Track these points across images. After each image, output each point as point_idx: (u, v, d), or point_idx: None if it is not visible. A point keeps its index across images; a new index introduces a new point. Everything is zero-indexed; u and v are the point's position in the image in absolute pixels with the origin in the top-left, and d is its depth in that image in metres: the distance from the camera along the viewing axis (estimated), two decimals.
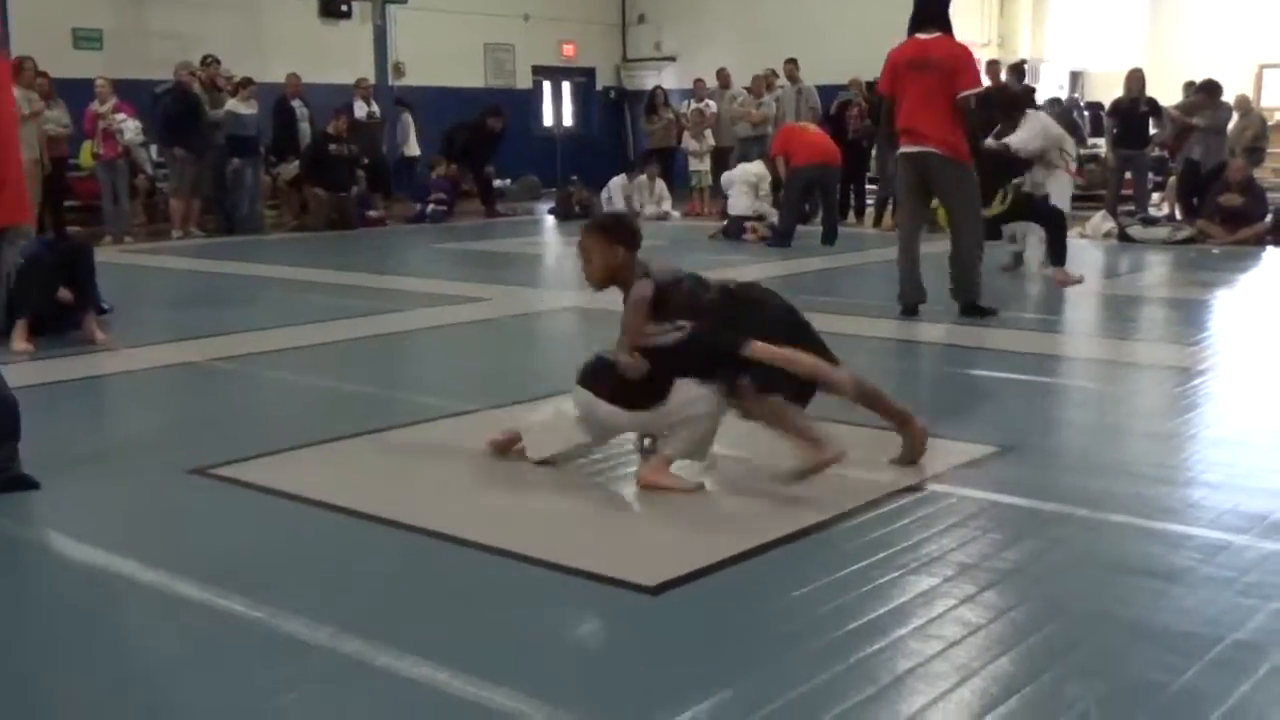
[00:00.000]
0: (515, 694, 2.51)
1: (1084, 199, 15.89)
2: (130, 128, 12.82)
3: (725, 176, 13.47)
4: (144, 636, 2.95)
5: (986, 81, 9.61)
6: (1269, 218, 11.98)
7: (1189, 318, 7.89)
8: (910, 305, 7.48)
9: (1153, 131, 13.32)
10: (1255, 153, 13.47)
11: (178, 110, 12.95)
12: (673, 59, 20.50)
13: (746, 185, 12.77)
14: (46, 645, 2.86)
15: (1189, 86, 14.00)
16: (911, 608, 2.99)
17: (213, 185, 13.62)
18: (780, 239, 11.84)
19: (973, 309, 7.37)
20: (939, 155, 7.24)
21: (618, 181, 15.71)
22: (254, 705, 2.53)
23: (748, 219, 12.56)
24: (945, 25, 7.33)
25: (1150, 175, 13.91)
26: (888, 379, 5.68)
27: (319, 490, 3.96)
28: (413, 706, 2.51)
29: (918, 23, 7.38)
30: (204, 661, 2.77)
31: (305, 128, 14.78)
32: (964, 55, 7.35)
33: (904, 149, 7.45)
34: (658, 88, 17.77)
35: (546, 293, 9.57)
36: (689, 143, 16.23)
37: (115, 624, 3.00)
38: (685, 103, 16.81)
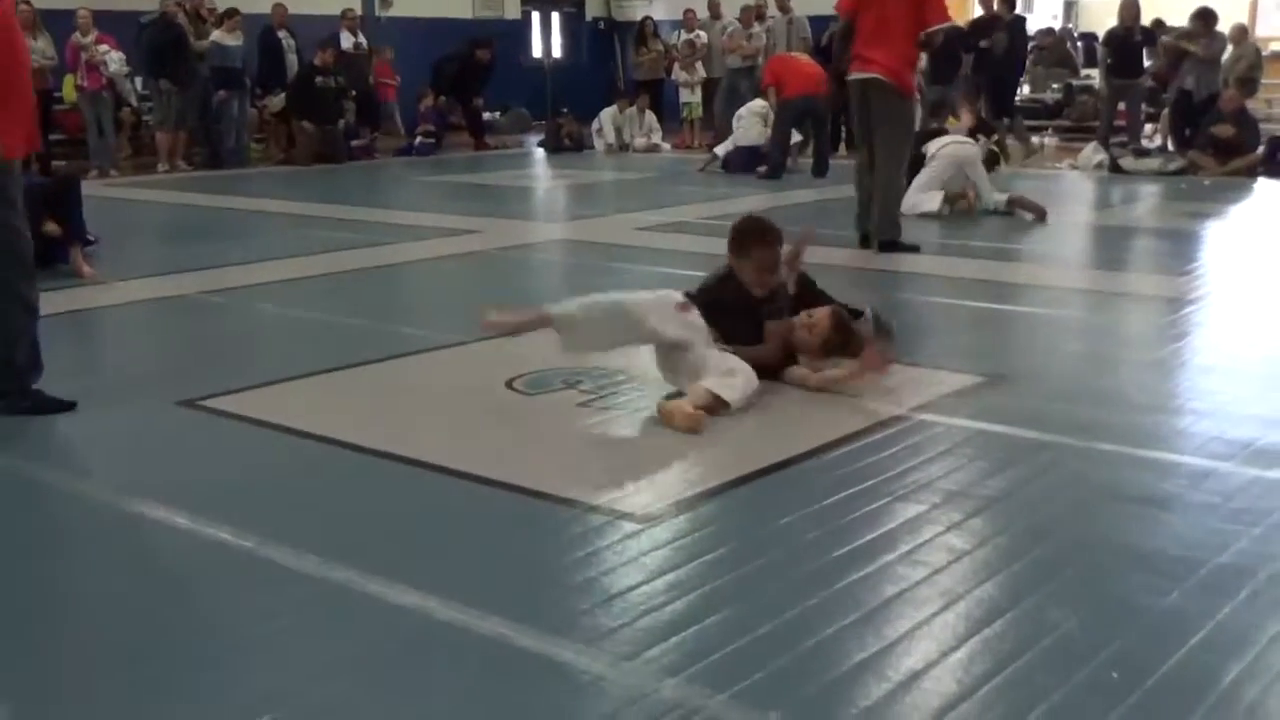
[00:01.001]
0: (504, 621, 2.53)
1: (1075, 130, 15.86)
2: (114, 59, 12.69)
3: (739, 112, 13.12)
4: (132, 565, 2.96)
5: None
6: (1261, 148, 11.94)
7: (1178, 248, 7.88)
8: (865, 233, 7.49)
9: (1147, 62, 13.23)
10: (1249, 83, 13.37)
11: (162, 41, 12.79)
12: None
13: (757, 116, 12.59)
14: (39, 579, 2.87)
15: (1148, 33, 13.86)
16: (898, 534, 3.01)
17: (198, 118, 13.48)
18: (773, 171, 11.76)
19: (892, 245, 7.28)
20: (882, 80, 7.14)
21: (607, 113, 15.59)
22: (242, 631, 2.55)
23: (760, 148, 12.31)
24: None
25: (1144, 106, 13.83)
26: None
27: (307, 422, 3.97)
28: (401, 632, 2.52)
29: None
30: (192, 589, 2.78)
31: (292, 59, 14.62)
32: None
33: (852, 75, 7.34)
34: (647, 18, 17.58)
35: (536, 225, 9.53)
36: (679, 74, 16.09)
37: (103, 553, 3.00)
38: (675, 34, 16.64)
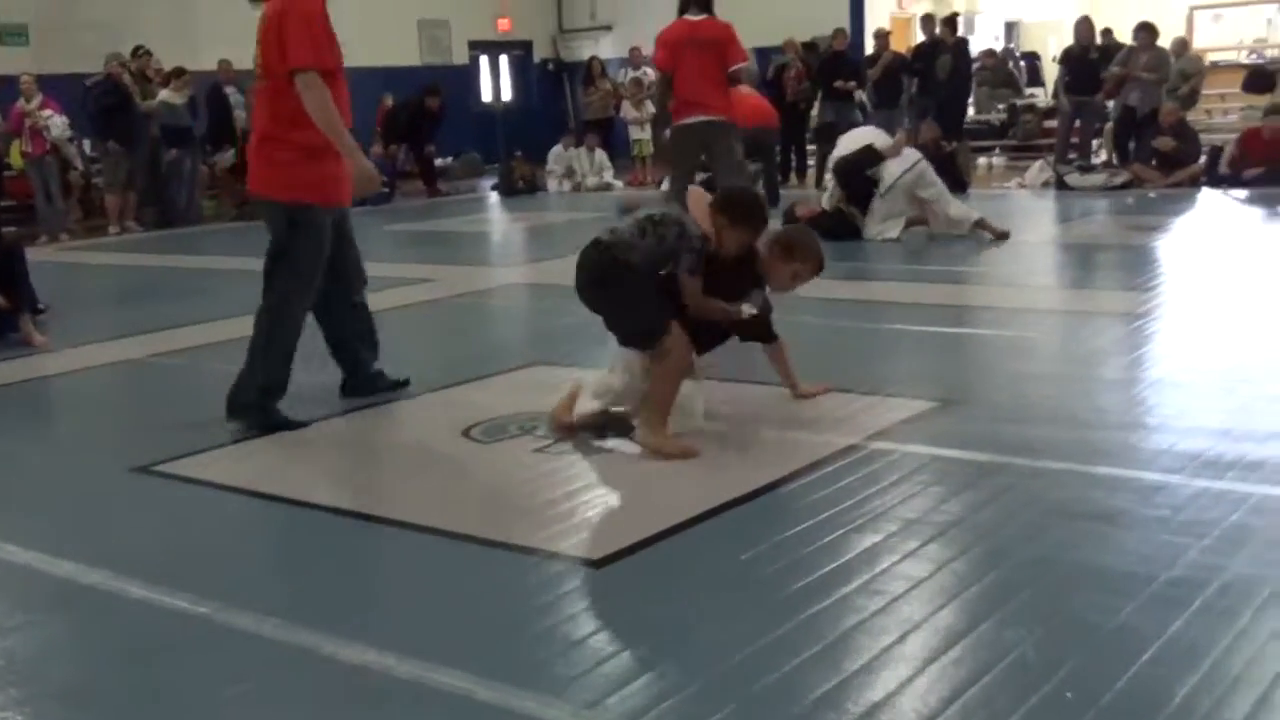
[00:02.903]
0: (464, 675, 2.52)
1: (1021, 149, 16.07)
2: (56, 124, 12.63)
3: None
4: (90, 637, 2.93)
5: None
6: (1203, 159, 12.13)
7: (1127, 263, 7.98)
8: None
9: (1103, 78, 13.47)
10: (1188, 95, 13.61)
11: (108, 103, 12.77)
12: (609, 28, 20.42)
13: None
14: None
15: (1107, 34, 14.12)
16: (856, 564, 3.03)
17: (148, 178, 13.44)
18: (771, 198, 11.81)
19: None
20: (722, 122, 8.14)
21: (554, 151, 15.67)
22: (200, 698, 2.53)
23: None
24: (708, 8, 8.25)
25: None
26: (830, 337, 5.75)
27: (263, 483, 3.95)
28: (361, 692, 2.51)
29: (685, 5, 8.25)
30: (150, 658, 2.76)
31: (241, 114, 14.60)
32: (730, 32, 8.25)
33: (688, 120, 8.14)
34: (594, 58, 17.69)
35: (491, 270, 9.55)
36: (629, 112, 16.18)
37: (60, 626, 2.98)
38: (623, 72, 16.75)
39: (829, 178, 10.06)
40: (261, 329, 4.65)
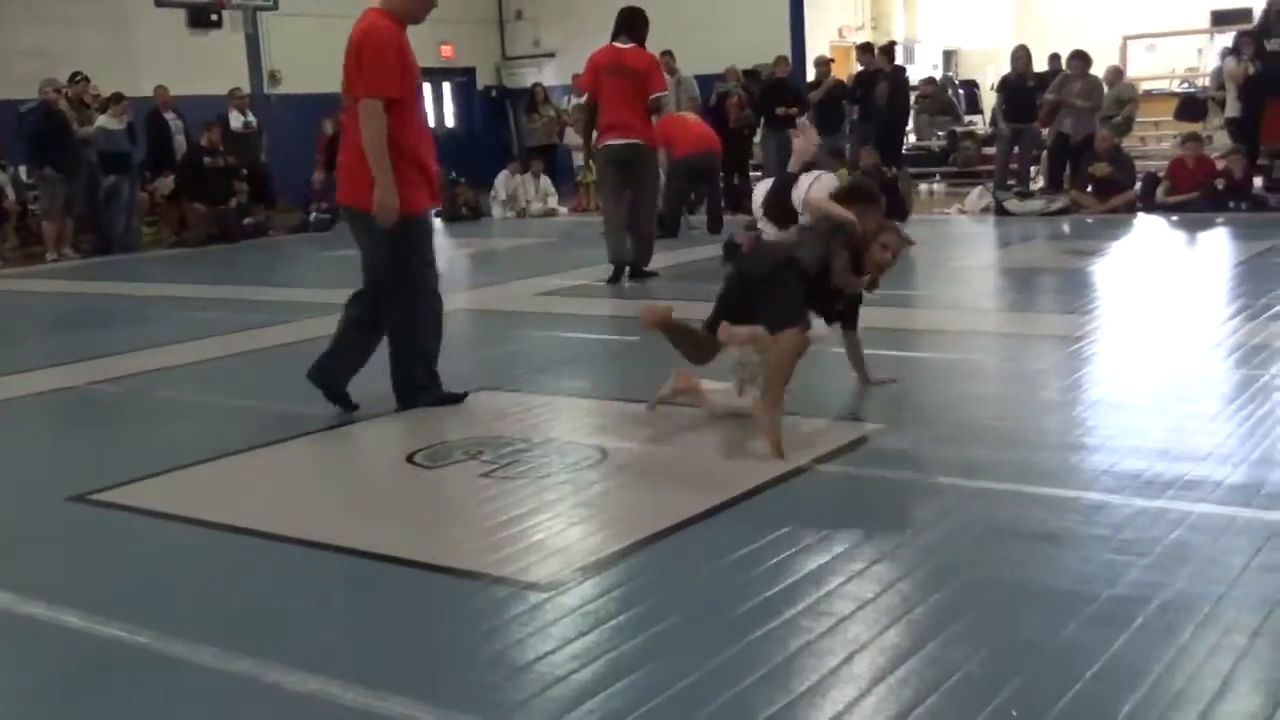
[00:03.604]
0: (411, 701, 2.50)
1: (960, 175, 16.28)
2: None
3: None
4: (24, 668, 2.87)
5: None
6: (1138, 185, 12.35)
7: (1066, 286, 8.09)
8: (620, 265, 8.84)
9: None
10: (1123, 122, 13.85)
11: (43, 129, 12.59)
12: (552, 55, 20.46)
13: None
14: None
15: (1054, 59, 14.36)
16: (802, 586, 3.03)
17: (86, 204, 13.26)
18: (668, 230, 11.85)
19: (641, 273, 8.86)
20: (643, 145, 8.73)
21: (500, 178, 15.66)
22: None
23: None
24: (639, 38, 8.76)
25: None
26: None
27: (204, 510, 3.89)
28: None
29: (616, 32, 8.78)
30: (87, 689, 2.70)
31: (181, 140, 14.49)
32: (653, 63, 8.83)
33: (612, 141, 8.71)
34: (537, 84, 17.73)
35: None
36: (572, 138, 16.21)
37: None
38: (566, 99, 16.79)
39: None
40: (402, 329, 5.07)
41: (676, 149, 11.94)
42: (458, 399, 5.15)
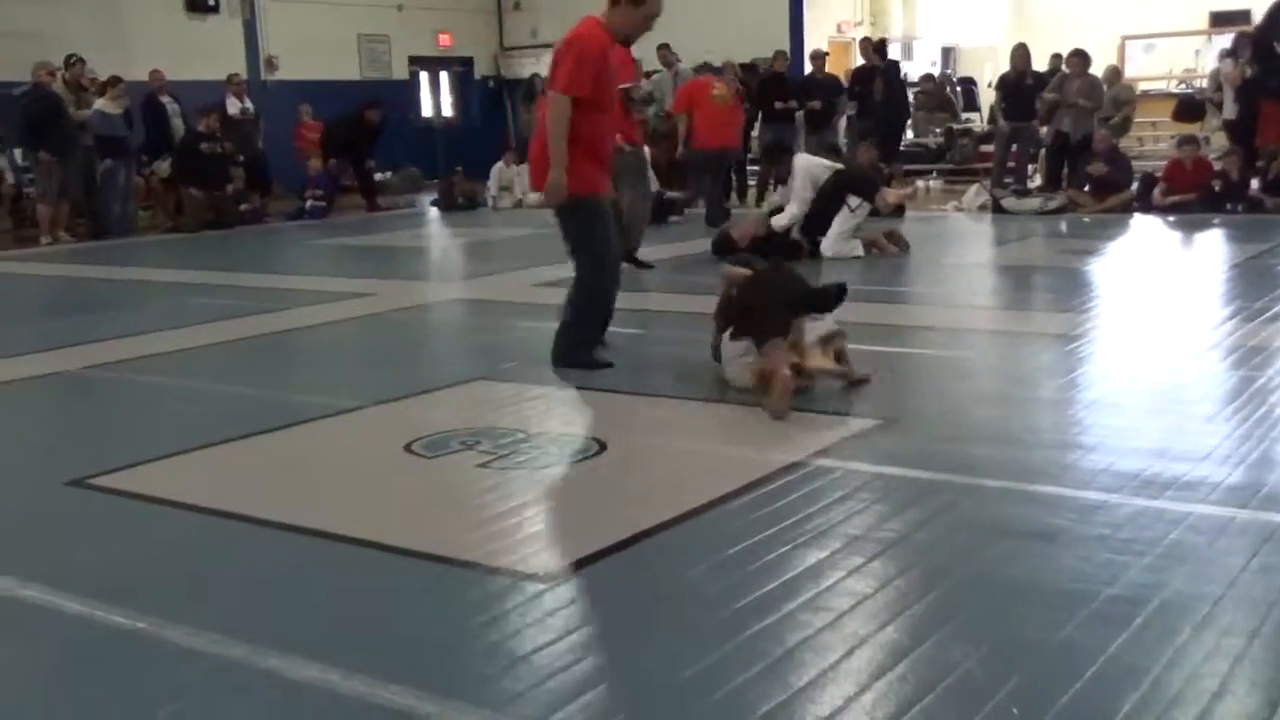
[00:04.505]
0: (408, 690, 2.50)
1: (957, 173, 16.29)
2: None
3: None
4: (24, 653, 2.87)
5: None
6: (1135, 185, 12.37)
7: (1063, 285, 8.10)
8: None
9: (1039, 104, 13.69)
10: (1121, 123, 13.86)
11: (38, 112, 12.53)
12: (549, 46, 20.35)
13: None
14: None
15: (1055, 58, 14.37)
16: (800, 581, 3.03)
17: (82, 188, 13.21)
18: (711, 220, 11.76)
19: (631, 259, 8.50)
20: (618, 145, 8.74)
21: (496, 168, 15.62)
22: (137, 715, 2.48)
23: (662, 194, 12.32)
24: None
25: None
26: None
27: (202, 496, 3.89)
28: (302, 709, 2.48)
29: None
30: (86, 675, 2.70)
31: (178, 124, 14.45)
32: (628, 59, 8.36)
33: None
34: (535, 75, 17.67)
35: (432, 285, 9.49)
36: None
37: None
38: None
39: (775, 197, 10.18)
40: (578, 301, 5.59)
41: (699, 137, 11.93)
42: (609, 365, 5.54)
